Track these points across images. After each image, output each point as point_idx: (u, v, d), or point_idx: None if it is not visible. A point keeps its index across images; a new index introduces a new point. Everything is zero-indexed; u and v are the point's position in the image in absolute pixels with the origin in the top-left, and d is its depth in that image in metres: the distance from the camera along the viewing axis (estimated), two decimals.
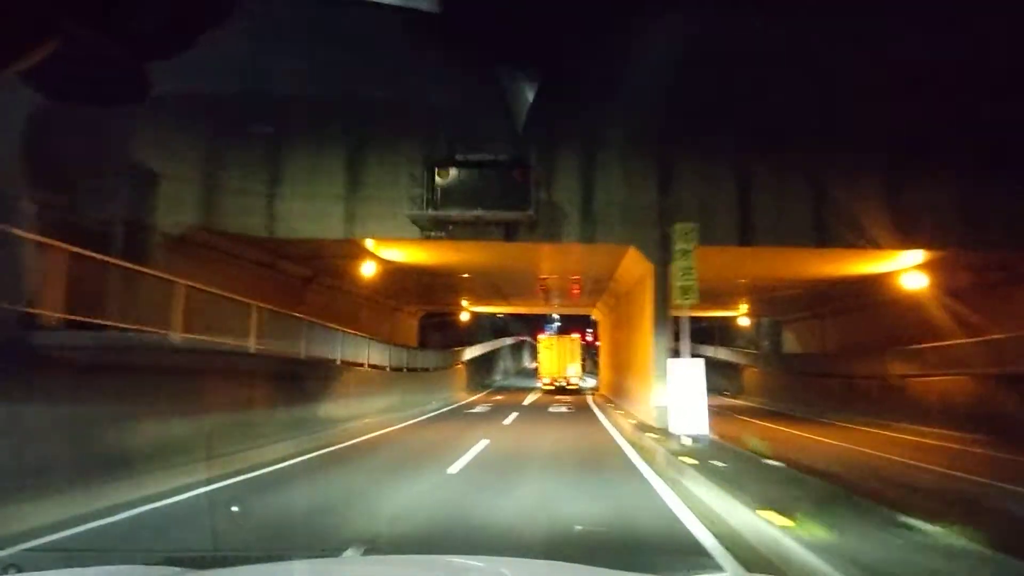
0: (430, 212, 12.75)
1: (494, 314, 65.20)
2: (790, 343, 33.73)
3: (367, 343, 17.90)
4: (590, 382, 46.07)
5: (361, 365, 17.04)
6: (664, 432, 12.24)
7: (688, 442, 10.32)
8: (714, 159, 14.50)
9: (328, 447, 11.17)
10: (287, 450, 10.06)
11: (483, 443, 12.38)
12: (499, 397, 31.63)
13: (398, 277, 20.03)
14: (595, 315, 33.23)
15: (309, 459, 9.81)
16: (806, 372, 25.43)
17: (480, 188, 12.96)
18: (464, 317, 33.70)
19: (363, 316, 23.72)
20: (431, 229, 13.58)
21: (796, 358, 28.80)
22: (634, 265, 15.84)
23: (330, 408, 14.15)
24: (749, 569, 4.49)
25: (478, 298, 28.53)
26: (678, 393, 10.34)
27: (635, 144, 14.57)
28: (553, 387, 34.92)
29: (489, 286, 23.74)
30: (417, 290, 24.91)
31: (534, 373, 65.70)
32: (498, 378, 53.81)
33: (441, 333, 34.69)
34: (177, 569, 1.98)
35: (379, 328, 25.20)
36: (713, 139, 14.44)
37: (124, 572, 2.10)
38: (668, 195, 14.38)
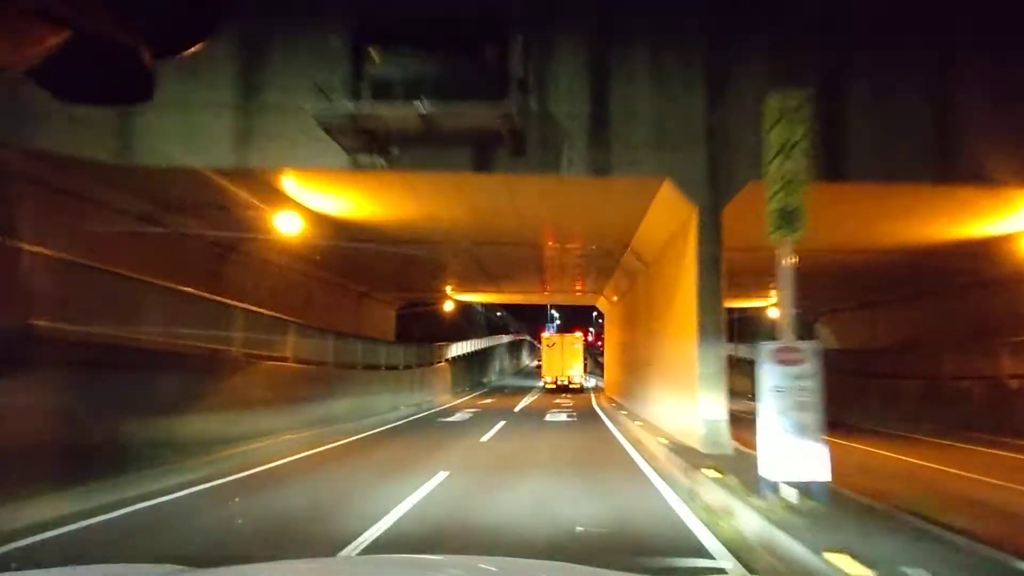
0: (348, 106, 7.88)
1: (491, 311, 60.43)
2: (825, 339, 28.91)
3: (296, 330, 13.08)
4: (591, 382, 41.82)
5: (283, 360, 12.23)
6: (726, 464, 7.45)
7: (792, 496, 5.50)
8: (787, 53, 9.66)
9: (138, 503, 6.29)
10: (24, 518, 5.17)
11: (436, 479, 7.58)
12: (488, 400, 26.80)
13: (349, 247, 15.26)
14: (601, 305, 28.33)
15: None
16: (861, 372, 20.55)
17: (433, 75, 8.12)
18: (448, 307, 28.83)
19: (316, 302, 19.00)
20: (361, 148, 8.74)
21: (845, 356, 23.91)
22: (667, 213, 10.97)
23: (214, 423, 9.33)
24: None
25: (462, 282, 23.68)
26: (774, 407, 5.52)
27: (671, 31, 9.77)
28: (556, 385, 33.08)
29: (471, 263, 18.92)
30: (384, 270, 20.12)
31: (533, 373, 60.95)
32: (493, 378, 49.00)
33: (424, 326, 29.85)
34: (177, 567, 1.77)
35: (340, 318, 20.43)
36: (787, 24, 9.65)
37: (124, 571, 1.90)
38: (720, 106, 9.57)
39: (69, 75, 0.95)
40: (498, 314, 70.52)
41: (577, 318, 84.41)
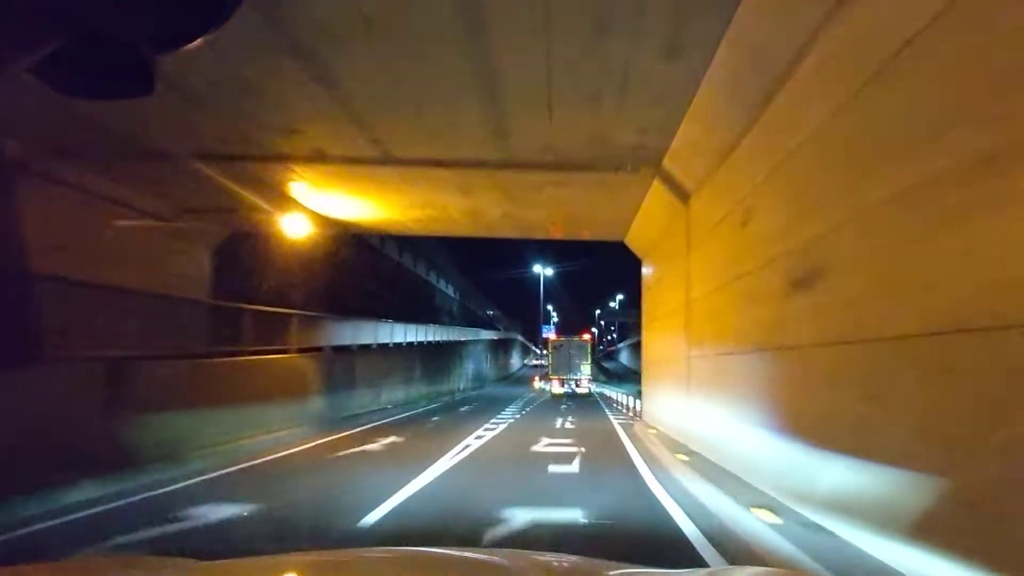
0: None
1: (468, 301, 45.04)
2: None
3: None
4: (593, 387, 32.34)
5: None
6: None
7: None
8: None
9: None
10: None
11: None
12: (381, 443, 11.11)
13: None
14: (647, 220, 12.31)
15: None
16: None
17: None
18: (302, 231, 12.94)
19: None
20: None
21: None
22: None
23: None
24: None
25: (315, 140, 8.18)
26: None
27: None
28: (562, 390, 29.66)
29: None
30: None
31: (523, 379, 46.84)
32: (461, 385, 33.54)
33: (299, 287, 14.36)
34: (182, 559, 1.70)
35: None
36: None
37: (129, 563, 1.82)
38: None
39: (70, 70, 0.91)
40: (490, 313, 55.37)
41: (577, 320, 71.98)
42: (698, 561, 4.15)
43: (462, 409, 20.37)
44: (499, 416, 17.12)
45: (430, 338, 25.99)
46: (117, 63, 0.91)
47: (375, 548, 3.45)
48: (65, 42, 0.82)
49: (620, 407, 22.11)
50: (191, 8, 0.89)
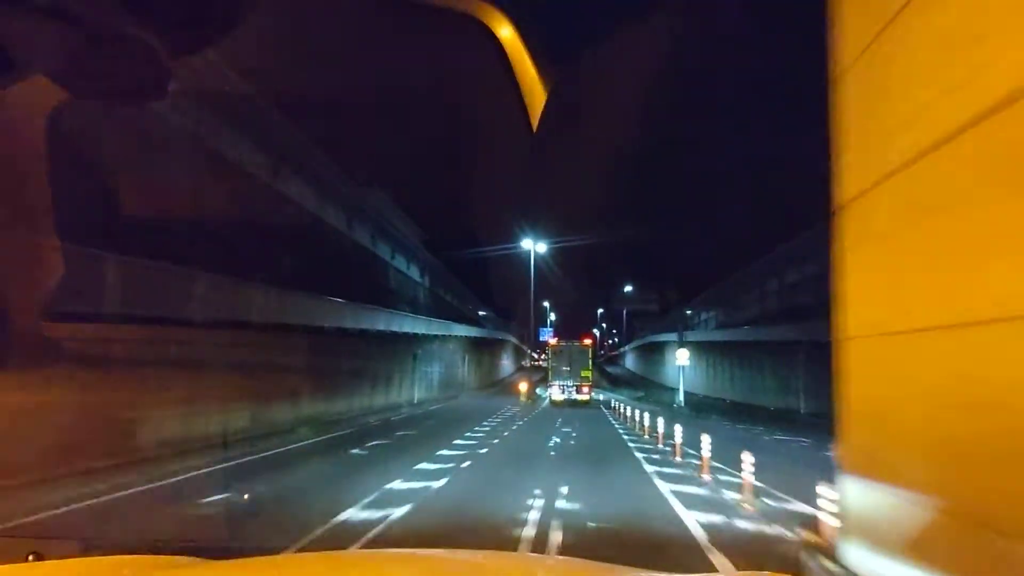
0: None
1: (441, 290, 34.72)
2: None
3: None
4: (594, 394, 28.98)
5: None
6: None
7: None
8: None
9: None
10: None
11: None
12: None
13: None
14: None
15: None
16: None
17: None
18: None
19: None
20: None
21: None
22: None
23: None
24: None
25: None
26: None
27: None
28: (562, 396, 26.85)
29: None
30: None
31: (508, 387, 37.35)
32: (416, 395, 23.61)
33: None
34: (193, 558, 1.71)
35: None
36: None
37: (142, 562, 1.73)
38: None
39: (88, 75, 0.91)
40: (482, 313, 45.65)
41: (578, 323, 63.42)
42: None
43: (356, 450, 10.30)
44: (400, 486, 7.08)
45: (345, 324, 15.90)
46: (132, 68, 0.88)
47: (378, 550, 3.68)
48: (82, 47, 0.80)
49: (648, 438, 12.24)
50: (204, 15, 0.86)
